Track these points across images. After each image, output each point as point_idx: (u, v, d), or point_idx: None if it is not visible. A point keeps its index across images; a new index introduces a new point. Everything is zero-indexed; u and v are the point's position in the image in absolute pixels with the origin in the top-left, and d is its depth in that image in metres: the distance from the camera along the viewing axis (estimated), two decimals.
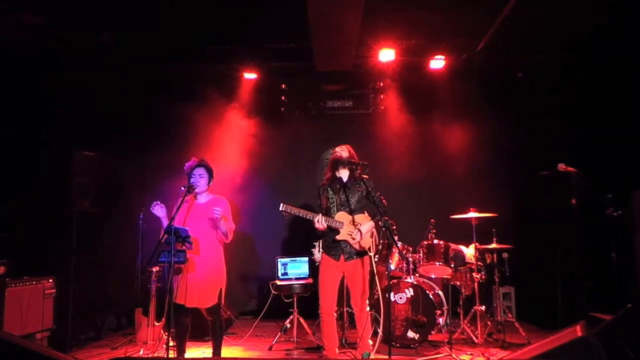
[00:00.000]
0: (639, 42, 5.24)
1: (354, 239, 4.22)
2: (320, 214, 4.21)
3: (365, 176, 4.29)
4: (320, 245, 4.52)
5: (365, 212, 4.35)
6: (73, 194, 5.05)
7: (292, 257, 5.86)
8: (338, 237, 4.23)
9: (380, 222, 4.19)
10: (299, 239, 6.94)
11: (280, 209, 4.13)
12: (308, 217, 4.18)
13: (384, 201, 4.37)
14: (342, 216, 4.27)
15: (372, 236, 4.34)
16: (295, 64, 6.60)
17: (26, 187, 5.00)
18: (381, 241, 4.77)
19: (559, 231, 5.88)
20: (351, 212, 4.29)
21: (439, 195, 6.60)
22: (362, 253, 4.29)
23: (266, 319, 5.79)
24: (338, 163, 4.35)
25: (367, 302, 4.40)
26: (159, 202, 4.04)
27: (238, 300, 6.63)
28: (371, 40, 6.04)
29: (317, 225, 4.18)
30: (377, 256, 4.55)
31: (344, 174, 4.38)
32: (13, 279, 4.47)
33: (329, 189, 4.38)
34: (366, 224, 4.27)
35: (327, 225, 4.18)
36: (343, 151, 4.38)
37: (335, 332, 4.37)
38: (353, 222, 4.25)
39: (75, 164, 5.10)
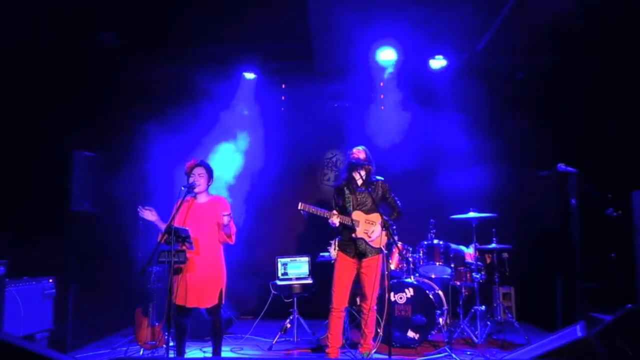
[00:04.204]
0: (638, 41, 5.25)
1: (369, 237, 4.40)
2: (336, 213, 4.38)
3: (380, 178, 4.58)
4: (336, 243, 4.66)
5: (379, 212, 4.44)
6: (73, 194, 5.04)
7: (292, 257, 5.86)
8: (354, 235, 4.39)
9: (384, 223, 4.29)
10: (299, 239, 6.96)
11: (299, 207, 4.32)
12: (326, 216, 4.35)
13: (398, 203, 4.62)
14: (357, 215, 4.44)
15: (386, 235, 4.44)
16: (295, 64, 6.60)
17: (26, 187, 5.00)
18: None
19: (559, 231, 5.88)
20: (367, 212, 4.46)
21: (439, 195, 6.59)
22: (376, 251, 4.43)
23: (266, 319, 5.79)
24: (355, 165, 4.48)
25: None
26: (146, 207, 4.05)
27: (238, 300, 6.62)
28: (371, 40, 6.03)
29: (331, 222, 4.35)
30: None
31: (360, 175, 4.52)
32: (13, 279, 4.46)
33: (345, 189, 4.54)
34: (378, 225, 4.42)
35: (340, 223, 4.37)
36: (360, 153, 4.56)
37: (341, 330, 4.53)
38: (368, 222, 4.44)
39: (75, 164, 5.09)
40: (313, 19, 5.18)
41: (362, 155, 4.52)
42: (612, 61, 5.91)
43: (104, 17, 5.23)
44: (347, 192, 4.52)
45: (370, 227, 4.43)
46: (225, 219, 4.00)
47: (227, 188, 6.16)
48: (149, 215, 4.04)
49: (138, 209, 4.05)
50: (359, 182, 4.52)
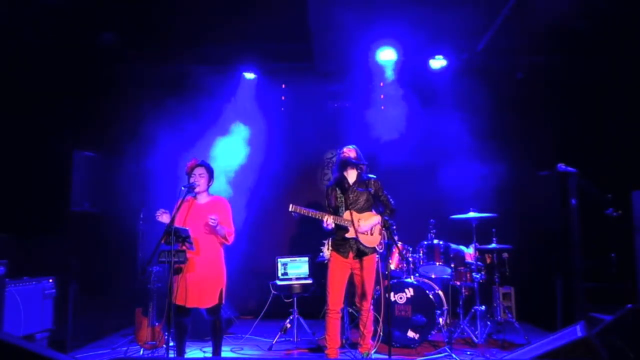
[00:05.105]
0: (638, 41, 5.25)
1: (362, 234, 4.33)
2: (328, 214, 4.32)
3: (373, 176, 4.50)
4: (329, 243, 4.60)
5: (373, 211, 4.43)
6: (73, 194, 5.04)
7: (292, 257, 5.86)
8: (347, 235, 4.33)
9: (385, 223, 4.24)
10: (299, 239, 6.95)
11: (290, 209, 4.23)
12: (317, 217, 4.28)
13: (391, 201, 4.54)
14: (350, 215, 4.36)
15: (380, 233, 4.41)
16: (295, 64, 6.60)
17: (26, 186, 5.00)
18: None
19: (559, 231, 5.88)
20: (359, 211, 4.40)
21: (439, 195, 6.59)
22: (370, 251, 4.39)
23: (266, 319, 5.79)
24: (346, 163, 4.44)
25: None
26: (164, 210, 4.03)
27: (238, 300, 6.63)
28: (371, 40, 6.03)
29: (325, 224, 4.27)
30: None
31: (351, 174, 4.49)
32: (13, 279, 4.46)
33: (337, 189, 4.48)
34: (370, 219, 4.37)
35: (335, 224, 4.28)
36: (351, 151, 4.49)
37: (339, 330, 4.47)
38: (360, 221, 4.37)
39: (75, 164, 5.09)
40: (313, 19, 5.18)
41: (352, 154, 4.45)
42: (612, 61, 5.91)
43: (104, 17, 5.23)
44: (338, 191, 4.44)
45: (363, 227, 4.36)
46: (212, 222, 3.97)
47: (226, 188, 6.17)
48: (166, 218, 4.00)
49: (156, 214, 4.02)
50: (351, 180, 4.47)
